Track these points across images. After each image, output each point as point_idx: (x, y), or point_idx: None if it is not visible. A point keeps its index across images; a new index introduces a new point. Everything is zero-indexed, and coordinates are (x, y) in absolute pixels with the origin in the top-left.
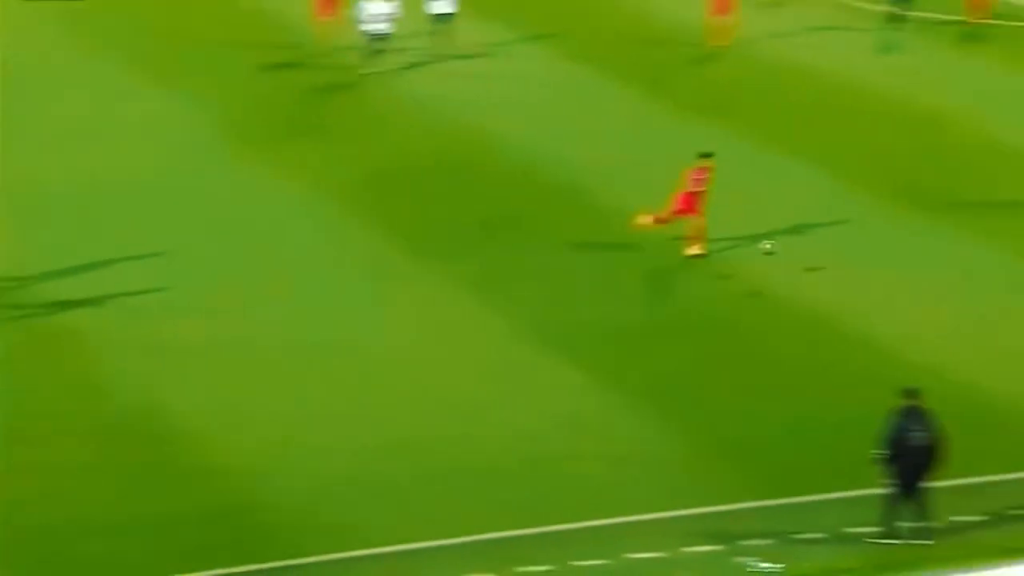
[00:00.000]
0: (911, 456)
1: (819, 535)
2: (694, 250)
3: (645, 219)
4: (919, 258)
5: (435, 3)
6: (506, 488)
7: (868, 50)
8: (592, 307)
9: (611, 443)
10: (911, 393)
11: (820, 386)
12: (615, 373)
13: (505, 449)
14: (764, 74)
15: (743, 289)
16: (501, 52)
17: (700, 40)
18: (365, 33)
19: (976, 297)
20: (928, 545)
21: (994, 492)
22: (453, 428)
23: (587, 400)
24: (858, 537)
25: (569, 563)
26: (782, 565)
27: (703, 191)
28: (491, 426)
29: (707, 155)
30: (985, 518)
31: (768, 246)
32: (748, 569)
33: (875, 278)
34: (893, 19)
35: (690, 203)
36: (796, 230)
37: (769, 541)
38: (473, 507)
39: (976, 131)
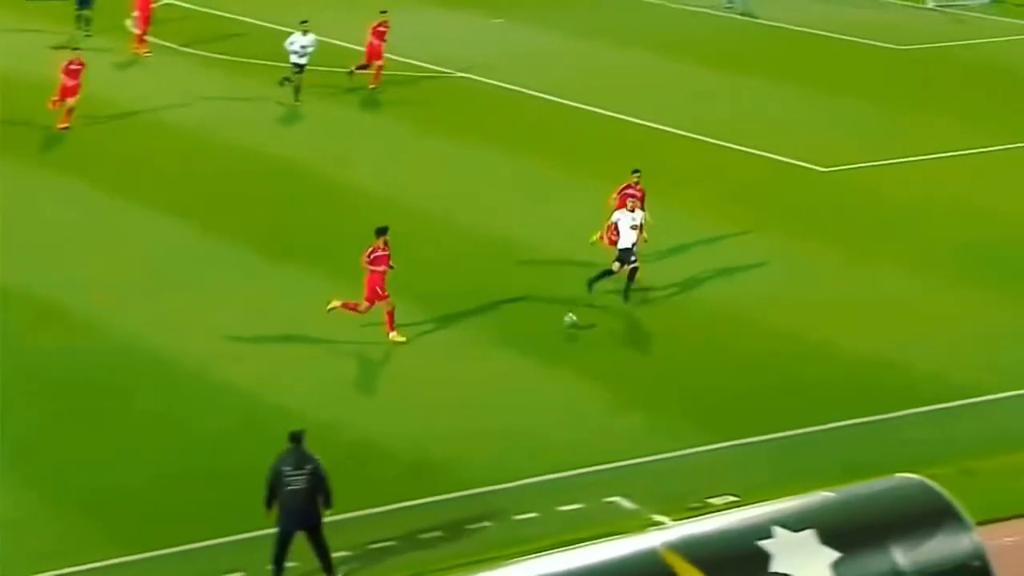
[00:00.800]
0: (291, 498)
1: None
2: (395, 337)
3: (335, 304)
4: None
5: None
6: None
7: (244, 112)
8: None
9: None
10: (295, 437)
11: (188, 438)
12: None
13: None
14: (131, 138)
15: (106, 345)
16: None
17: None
18: None
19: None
20: None
21: (359, 527)
22: None
23: None
24: None
25: None
26: None
27: (385, 270)
28: None
29: (382, 230)
30: (350, 553)
31: (570, 319)
32: None
33: (220, 324)
34: (287, 81)
35: (377, 285)
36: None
37: None
38: None
39: (331, 179)
